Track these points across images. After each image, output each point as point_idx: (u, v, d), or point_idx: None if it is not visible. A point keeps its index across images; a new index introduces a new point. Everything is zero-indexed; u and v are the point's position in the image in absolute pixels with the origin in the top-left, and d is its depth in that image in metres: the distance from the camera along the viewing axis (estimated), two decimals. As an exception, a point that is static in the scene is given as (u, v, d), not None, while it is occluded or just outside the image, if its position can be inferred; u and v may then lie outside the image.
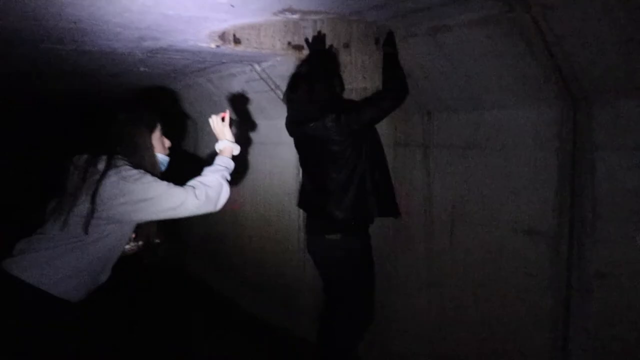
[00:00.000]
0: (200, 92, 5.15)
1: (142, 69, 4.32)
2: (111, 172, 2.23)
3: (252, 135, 4.91)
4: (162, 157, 2.53)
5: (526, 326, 2.70)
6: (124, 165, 2.28)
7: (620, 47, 2.08)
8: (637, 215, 2.26)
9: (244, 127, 4.94)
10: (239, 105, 4.77)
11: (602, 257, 2.40)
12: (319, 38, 3.12)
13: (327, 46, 3.17)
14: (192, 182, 2.41)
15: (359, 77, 3.30)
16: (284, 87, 3.85)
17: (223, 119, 2.72)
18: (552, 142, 2.54)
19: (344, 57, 3.31)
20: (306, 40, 3.18)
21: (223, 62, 3.92)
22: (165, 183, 2.32)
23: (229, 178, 2.54)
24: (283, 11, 2.45)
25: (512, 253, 2.74)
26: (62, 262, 2.24)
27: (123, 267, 2.54)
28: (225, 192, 2.46)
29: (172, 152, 2.63)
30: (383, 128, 3.37)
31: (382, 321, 3.49)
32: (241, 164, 5.09)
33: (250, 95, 4.47)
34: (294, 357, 4.08)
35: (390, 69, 2.98)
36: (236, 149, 2.71)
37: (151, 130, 2.47)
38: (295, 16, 2.54)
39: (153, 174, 2.35)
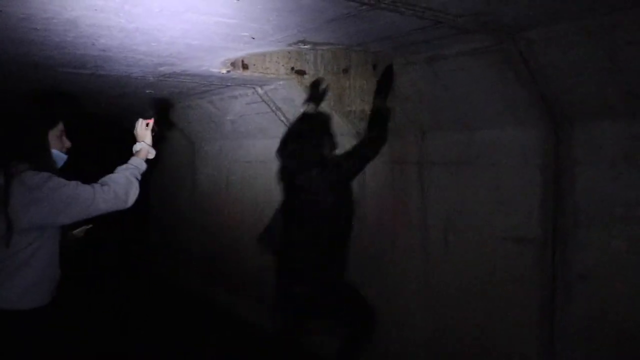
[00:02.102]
0: (200, 113, 5.38)
1: (147, 91, 4.55)
2: (15, 183, 2.21)
3: (253, 153, 5.14)
4: (58, 155, 2.51)
5: (516, 328, 2.96)
6: (25, 171, 2.25)
7: (595, 75, 2.39)
8: (613, 222, 2.55)
9: (244, 146, 5.18)
10: (239, 125, 5.02)
11: (583, 261, 2.68)
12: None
13: (326, 72, 3.46)
14: (101, 180, 2.45)
15: (357, 100, 3.57)
16: (285, 108, 4.13)
17: (147, 125, 2.83)
18: (536, 158, 2.84)
19: (343, 82, 3.59)
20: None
21: (228, 85, 4.17)
22: (73, 183, 2.31)
23: (139, 177, 2.60)
24: (297, 43, 2.71)
25: (502, 260, 3.01)
26: (19, 277, 2.29)
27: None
28: (134, 189, 2.52)
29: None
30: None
31: (379, 327, 3.72)
32: (242, 180, 5.32)
33: (251, 116, 4.71)
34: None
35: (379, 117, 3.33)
36: (152, 153, 2.79)
37: (50, 127, 2.47)
38: (307, 47, 2.80)
39: (50, 170, 2.34)
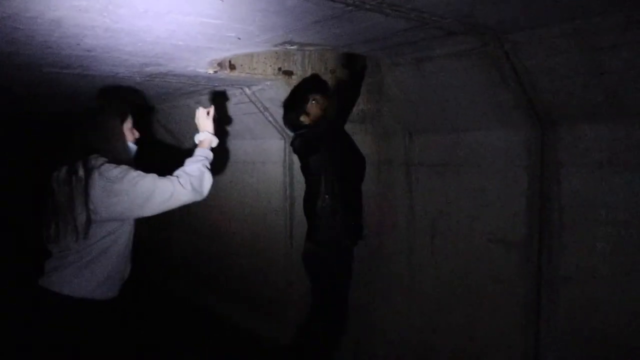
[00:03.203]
0: (187, 113, 5.34)
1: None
2: (94, 176, 2.32)
3: (240, 154, 5.13)
4: (131, 146, 2.63)
5: (502, 329, 2.98)
6: (103, 164, 2.36)
7: (579, 78, 2.40)
8: (597, 224, 2.57)
9: (232, 147, 5.17)
10: (228, 126, 5.00)
11: (567, 263, 2.70)
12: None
13: (313, 72, 3.47)
14: (175, 173, 2.49)
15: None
16: (272, 109, 4.13)
17: (208, 113, 2.88)
18: (522, 160, 2.85)
19: (330, 82, 3.59)
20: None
21: (215, 86, 4.16)
22: (150, 176, 2.39)
23: (209, 167, 2.65)
24: (284, 43, 2.70)
25: (488, 261, 3.02)
26: (94, 269, 2.41)
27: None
28: (207, 179, 2.57)
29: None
30: (367, 148, 3.66)
31: (367, 329, 3.73)
32: (230, 181, 5.31)
33: (239, 117, 4.70)
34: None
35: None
36: (214, 141, 2.83)
37: (122, 120, 2.58)
38: (294, 47, 2.80)
39: (128, 163, 2.45)
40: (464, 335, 3.18)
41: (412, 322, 3.50)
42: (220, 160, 5.48)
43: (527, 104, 2.71)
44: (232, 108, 4.64)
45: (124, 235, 2.51)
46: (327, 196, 3.27)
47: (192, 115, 5.23)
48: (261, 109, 4.23)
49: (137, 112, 2.84)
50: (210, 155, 2.73)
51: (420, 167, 3.38)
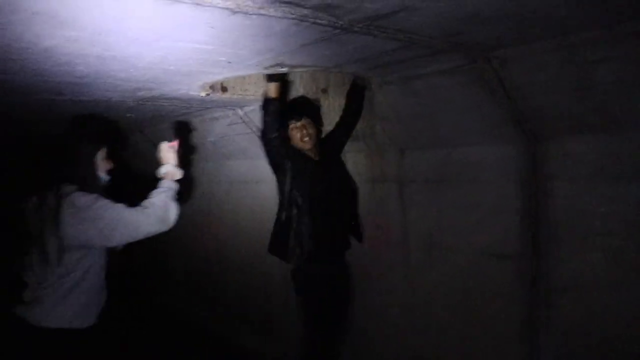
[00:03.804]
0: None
1: (128, 115, 4.54)
2: (64, 204, 2.35)
3: (234, 174, 5.15)
4: (103, 176, 2.66)
5: (499, 342, 2.98)
6: (73, 192, 2.40)
7: (567, 93, 2.43)
8: (590, 235, 2.58)
9: (226, 167, 5.19)
10: (221, 147, 5.03)
11: (562, 274, 2.71)
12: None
13: (305, 93, 3.50)
14: (142, 204, 2.53)
15: (337, 119, 3.60)
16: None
17: (171, 147, 2.89)
18: (513, 174, 2.87)
19: (322, 101, 3.62)
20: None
21: (207, 108, 4.18)
22: (118, 206, 2.43)
23: (174, 197, 2.68)
24: (275, 66, 2.72)
25: (484, 275, 3.03)
26: (71, 300, 2.43)
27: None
28: (173, 209, 2.61)
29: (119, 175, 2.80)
30: (360, 165, 3.68)
31: (363, 346, 3.72)
32: (224, 201, 5.32)
33: (232, 137, 4.72)
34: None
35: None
36: (178, 173, 2.85)
37: (96, 150, 2.61)
38: (284, 69, 2.82)
39: (98, 192, 2.48)
40: (461, 351, 3.17)
41: (409, 337, 3.50)
42: (214, 181, 5.50)
43: (516, 119, 2.73)
44: (225, 129, 4.67)
45: (97, 264, 2.55)
46: (284, 213, 3.34)
47: (187, 139, 5.30)
48: (254, 129, 4.25)
49: (113, 143, 2.87)
50: (174, 186, 2.75)
51: (413, 184, 3.40)
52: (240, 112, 4.20)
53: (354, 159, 3.68)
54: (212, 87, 3.30)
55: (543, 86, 2.50)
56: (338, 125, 3.49)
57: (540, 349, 2.83)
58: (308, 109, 3.48)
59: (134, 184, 2.90)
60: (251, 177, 4.87)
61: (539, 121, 2.68)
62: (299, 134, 3.37)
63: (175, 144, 2.91)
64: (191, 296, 6.12)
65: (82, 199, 2.38)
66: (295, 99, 3.49)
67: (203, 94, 3.38)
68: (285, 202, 3.36)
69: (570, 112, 2.54)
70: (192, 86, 3.24)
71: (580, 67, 2.30)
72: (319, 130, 3.49)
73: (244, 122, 4.29)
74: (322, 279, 3.40)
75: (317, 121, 3.51)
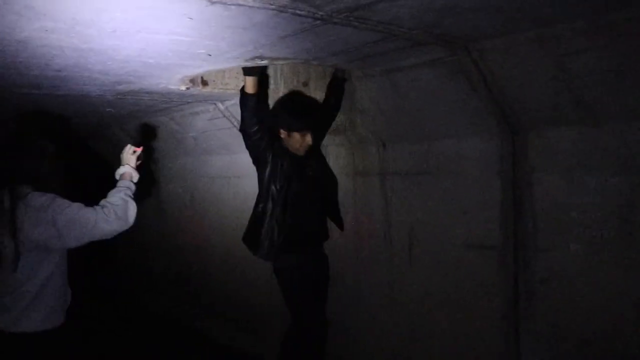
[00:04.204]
0: (162, 130, 5.34)
1: (107, 109, 4.50)
2: (21, 205, 2.31)
3: (216, 169, 5.12)
4: (58, 175, 2.59)
5: (482, 332, 3.00)
6: (30, 193, 2.35)
7: (547, 84, 2.45)
8: (570, 226, 2.61)
9: (207, 162, 5.16)
10: (202, 142, 5.00)
11: (543, 265, 2.73)
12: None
13: (286, 86, 3.47)
14: (100, 203, 2.48)
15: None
16: (246, 124, 4.11)
17: (134, 152, 2.85)
18: (494, 166, 2.89)
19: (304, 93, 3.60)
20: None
21: (188, 102, 4.15)
22: (76, 204, 2.38)
23: (132, 197, 2.64)
24: (254, 58, 2.71)
25: (466, 267, 3.05)
26: (40, 302, 2.40)
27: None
28: (132, 207, 2.56)
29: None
30: (341, 159, 3.68)
31: (347, 340, 3.73)
32: (206, 197, 5.29)
33: (213, 132, 4.69)
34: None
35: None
36: (135, 176, 2.81)
37: (50, 148, 2.55)
38: (264, 62, 2.80)
39: (55, 192, 2.43)
40: (445, 341, 3.19)
41: (391, 328, 3.51)
42: (196, 176, 5.47)
43: (497, 111, 2.74)
44: (206, 124, 4.64)
45: (60, 265, 2.51)
46: (260, 205, 3.34)
47: (168, 133, 5.27)
48: (235, 123, 4.22)
49: (68, 140, 2.83)
50: (133, 186, 2.71)
51: (395, 177, 3.40)
52: (221, 106, 4.17)
53: (335, 152, 3.68)
54: (192, 80, 3.28)
55: (523, 78, 2.52)
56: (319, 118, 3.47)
57: (522, 339, 2.85)
58: (315, 117, 3.42)
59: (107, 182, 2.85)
60: (233, 172, 4.85)
61: (519, 113, 2.69)
62: (299, 143, 3.31)
63: (139, 150, 2.87)
64: (173, 293, 6.08)
65: (39, 199, 2.33)
66: (307, 102, 3.43)
67: (183, 87, 3.36)
68: (263, 194, 3.35)
69: (550, 104, 2.55)
70: (172, 80, 3.21)
71: (559, 58, 2.32)
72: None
73: (225, 116, 4.26)
74: (297, 272, 3.41)
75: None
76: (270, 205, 3.30)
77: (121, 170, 2.78)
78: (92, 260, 7.35)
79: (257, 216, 3.36)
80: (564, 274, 2.66)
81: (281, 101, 3.42)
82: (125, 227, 2.52)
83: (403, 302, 3.43)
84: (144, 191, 6.48)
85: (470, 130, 2.95)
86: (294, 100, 3.40)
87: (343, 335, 3.78)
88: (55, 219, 2.30)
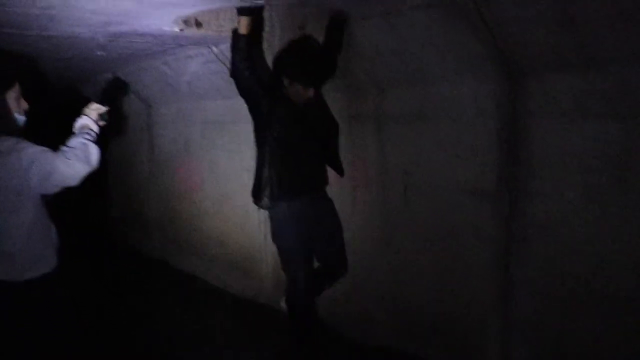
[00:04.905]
0: (155, 75, 5.25)
1: (99, 52, 4.40)
2: None
3: (210, 114, 5.07)
4: (19, 118, 2.51)
5: (474, 275, 3.04)
6: None
7: (549, 28, 2.40)
8: (566, 172, 2.61)
9: (202, 107, 5.11)
10: (196, 87, 4.93)
11: (537, 211, 2.75)
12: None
13: (282, 29, 3.38)
14: (61, 147, 2.46)
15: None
16: (241, 67, 4.04)
17: (100, 110, 2.76)
18: (492, 111, 2.86)
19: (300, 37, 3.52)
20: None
21: (182, 45, 4.07)
22: (39, 147, 2.36)
23: (93, 139, 2.59)
24: (251, -3, 2.65)
25: (460, 211, 3.06)
26: (29, 247, 2.40)
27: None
28: (93, 149, 2.53)
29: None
30: (338, 103, 3.63)
31: (344, 283, 3.76)
32: (200, 142, 5.26)
33: (207, 76, 4.63)
34: (258, 320, 4.31)
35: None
36: (95, 128, 2.71)
37: (5, 90, 2.45)
38: (261, 2, 2.74)
39: (17, 135, 2.39)
40: (438, 284, 3.24)
41: (386, 273, 3.55)
42: (190, 121, 5.43)
43: (497, 55, 2.70)
44: (200, 68, 4.57)
45: (39, 210, 2.46)
46: (259, 154, 3.27)
47: (161, 77, 5.19)
48: (230, 67, 4.15)
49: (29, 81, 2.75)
50: (95, 127, 2.66)
51: (391, 121, 3.38)
52: (215, 49, 4.09)
53: (331, 97, 3.62)
54: (186, 21, 3.20)
55: (524, 22, 2.46)
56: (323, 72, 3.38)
57: (513, 283, 2.89)
58: (320, 73, 3.33)
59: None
60: (227, 117, 4.80)
61: (520, 57, 2.65)
62: (300, 96, 3.20)
63: (105, 109, 2.80)
64: (166, 237, 6.12)
65: (4, 143, 2.29)
66: (314, 55, 3.30)
67: (177, 29, 3.28)
68: (260, 142, 3.30)
69: (550, 49, 2.51)
70: (165, 20, 3.14)
71: (561, 2, 2.26)
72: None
73: (219, 60, 4.19)
74: (296, 220, 3.38)
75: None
76: (268, 153, 3.25)
77: (80, 121, 2.69)
78: (85, 206, 7.41)
79: (258, 166, 3.31)
80: (559, 221, 2.68)
81: (288, 49, 3.31)
82: (89, 170, 2.49)
83: (397, 244, 3.46)
84: (137, 137, 6.45)
85: (469, 75, 2.91)
86: (302, 50, 3.27)
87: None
88: (21, 161, 2.28)
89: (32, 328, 2.40)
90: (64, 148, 2.45)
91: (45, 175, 2.34)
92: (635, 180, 2.38)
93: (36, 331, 2.41)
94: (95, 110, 2.74)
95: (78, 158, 2.43)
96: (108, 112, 2.79)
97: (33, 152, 2.32)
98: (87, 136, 2.57)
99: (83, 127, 2.66)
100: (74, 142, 2.50)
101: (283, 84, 3.23)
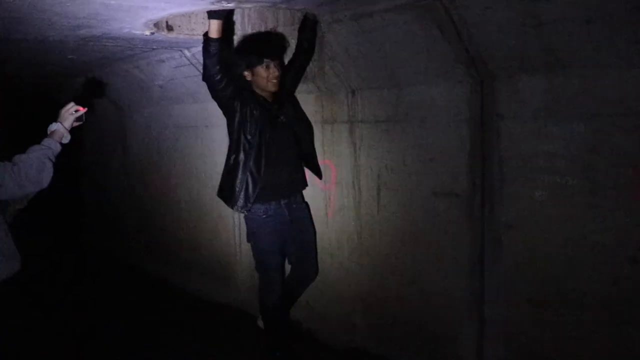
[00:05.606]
0: (127, 80, 5.20)
1: (69, 56, 4.35)
2: None
3: (183, 119, 5.04)
4: None
5: (448, 277, 3.05)
6: None
7: (516, 31, 2.42)
8: (536, 173, 2.64)
9: (174, 112, 5.07)
10: (168, 91, 4.89)
11: (509, 212, 2.77)
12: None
13: (254, 31, 3.39)
14: (13, 159, 2.40)
15: (286, 59, 3.52)
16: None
17: (76, 111, 2.75)
18: (463, 114, 2.88)
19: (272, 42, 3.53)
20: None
21: (153, 49, 4.04)
22: None
23: (53, 159, 2.55)
24: (220, 1, 2.62)
25: (433, 214, 3.08)
26: None
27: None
28: (48, 170, 2.48)
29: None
30: (310, 107, 3.64)
31: (318, 287, 3.77)
32: (173, 147, 5.22)
33: (180, 80, 4.59)
34: (233, 325, 4.28)
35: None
36: (66, 137, 2.71)
37: None
38: (231, 5, 2.72)
39: None
40: (413, 287, 3.24)
41: (361, 275, 3.55)
42: (163, 126, 5.38)
43: (466, 58, 2.72)
44: (172, 72, 4.53)
45: None
46: (232, 156, 3.30)
47: (133, 82, 5.14)
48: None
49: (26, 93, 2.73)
50: (58, 147, 2.61)
51: (363, 124, 3.38)
52: (187, 53, 4.07)
53: (303, 100, 3.63)
54: (156, 25, 3.19)
55: (492, 24, 2.49)
56: (291, 63, 3.40)
57: (486, 285, 2.91)
58: (281, 47, 3.37)
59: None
60: (201, 122, 4.77)
61: (488, 60, 2.67)
62: (265, 78, 3.25)
63: (82, 110, 2.77)
64: (141, 244, 6.05)
65: None
66: (267, 34, 3.37)
67: (147, 32, 3.26)
68: (233, 145, 3.29)
69: (518, 51, 2.54)
70: (136, 24, 3.11)
71: (529, 4, 2.29)
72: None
73: (192, 63, 4.17)
74: (272, 222, 3.38)
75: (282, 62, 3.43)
76: (242, 155, 3.24)
77: (54, 126, 2.66)
78: (58, 211, 7.31)
79: (230, 168, 3.30)
80: (529, 221, 2.70)
81: (239, 43, 3.37)
82: (36, 190, 2.43)
83: (371, 247, 3.46)
84: (111, 142, 6.38)
85: (440, 77, 2.93)
86: (251, 37, 3.34)
87: (314, 282, 3.81)
88: None
89: None
90: (17, 161, 2.38)
91: None
92: (603, 180, 2.42)
93: None
94: (71, 113, 2.70)
95: (28, 177, 2.36)
96: (85, 113, 2.76)
97: None
98: (49, 152, 2.51)
99: (53, 133, 2.63)
100: (30, 156, 2.43)
101: (248, 80, 3.26)
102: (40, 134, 2.64)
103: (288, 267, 3.69)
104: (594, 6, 2.15)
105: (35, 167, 2.40)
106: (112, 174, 6.51)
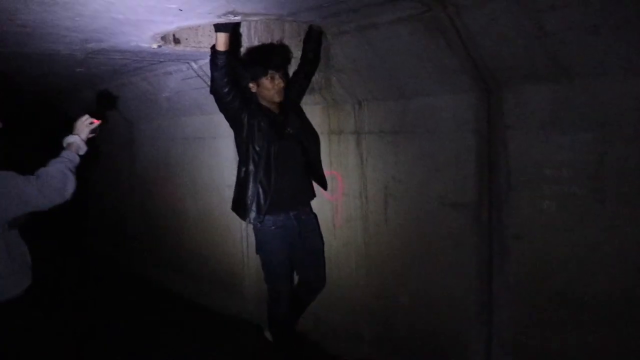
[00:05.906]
0: (135, 91, 5.24)
1: (78, 69, 4.38)
2: None
3: (190, 130, 5.06)
4: None
5: (456, 287, 3.05)
6: None
7: (522, 41, 2.43)
8: (543, 183, 2.63)
9: (182, 123, 5.10)
10: (176, 102, 4.92)
11: (516, 222, 2.76)
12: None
13: (260, 43, 3.42)
14: (36, 173, 2.41)
15: (291, 70, 3.54)
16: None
17: (91, 123, 2.78)
18: (469, 124, 2.89)
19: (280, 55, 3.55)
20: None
21: (161, 61, 4.07)
22: (9, 174, 2.32)
23: (74, 170, 2.56)
24: (227, 14, 2.64)
25: (441, 224, 3.07)
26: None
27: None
28: (71, 182, 2.49)
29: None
30: (317, 118, 3.65)
31: (326, 298, 3.76)
32: (181, 158, 5.24)
33: (187, 92, 4.62)
34: (240, 337, 4.28)
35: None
36: (83, 148, 2.74)
37: None
38: (237, 18, 2.74)
39: None
40: (419, 297, 3.24)
41: (369, 285, 3.55)
42: (170, 138, 5.41)
43: (472, 68, 2.73)
44: (179, 84, 4.56)
45: (6, 235, 2.40)
46: (242, 169, 3.32)
47: (141, 94, 5.18)
48: (209, 83, 4.16)
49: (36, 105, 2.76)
50: (77, 159, 2.64)
51: (370, 135, 3.39)
52: (194, 65, 4.10)
53: (310, 111, 3.65)
54: (164, 38, 3.21)
55: (497, 34, 2.50)
56: (296, 74, 3.43)
57: (494, 294, 2.90)
58: (286, 58, 3.39)
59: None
60: (208, 133, 4.80)
61: (494, 70, 2.68)
62: (271, 89, 3.28)
63: (97, 122, 2.79)
64: (147, 254, 6.06)
65: None
66: (271, 45, 3.40)
67: (155, 45, 3.28)
68: (243, 157, 3.31)
69: (524, 61, 2.54)
70: (143, 37, 3.13)
71: (535, 14, 2.29)
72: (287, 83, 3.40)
73: (199, 76, 4.20)
74: (281, 234, 3.39)
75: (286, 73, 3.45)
76: (252, 167, 3.26)
77: (70, 139, 2.68)
78: (65, 222, 7.34)
79: (241, 180, 3.32)
80: (537, 231, 2.69)
81: (244, 55, 3.39)
82: (61, 201, 2.43)
83: (379, 257, 3.46)
84: (118, 153, 6.42)
85: (446, 88, 2.94)
86: (256, 49, 3.36)
87: (321, 295, 3.81)
88: None
89: None
90: (40, 174, 2.39)
91: (14, 203, 2.28)
92: (609, 190, 2.41)
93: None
94: (87, 125, 2.73)
95: (52, 188, 2.37)
96: (100, 125, 2.79)
97: (4, 180, 2.27)
98: (70, 164, 2.53)
99: (70, 145, 2.64)
100: (53, 168, 2.45)
101: (253, 92, 3.28)
102: (49, 147, 2.66)
103: (295, 278, 3.70)
104: (600, 15, 2.15)
105: (59, 178, 2.41)
106: (119, 184, 6.54)
